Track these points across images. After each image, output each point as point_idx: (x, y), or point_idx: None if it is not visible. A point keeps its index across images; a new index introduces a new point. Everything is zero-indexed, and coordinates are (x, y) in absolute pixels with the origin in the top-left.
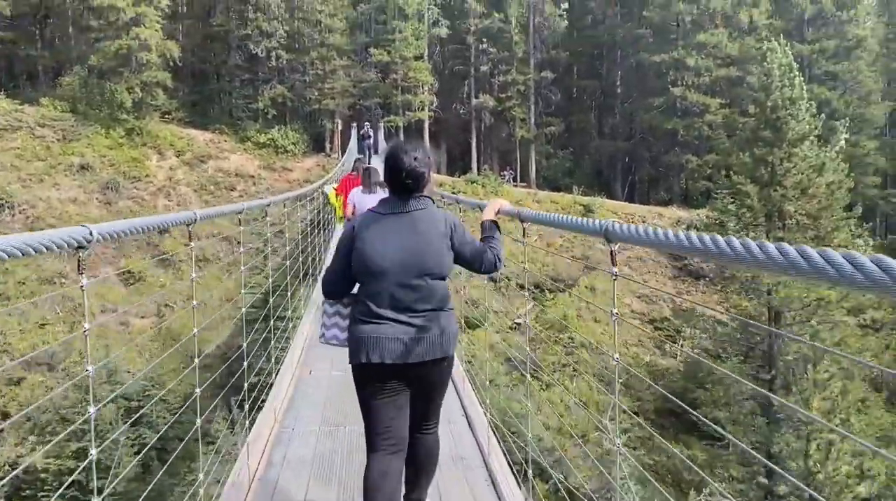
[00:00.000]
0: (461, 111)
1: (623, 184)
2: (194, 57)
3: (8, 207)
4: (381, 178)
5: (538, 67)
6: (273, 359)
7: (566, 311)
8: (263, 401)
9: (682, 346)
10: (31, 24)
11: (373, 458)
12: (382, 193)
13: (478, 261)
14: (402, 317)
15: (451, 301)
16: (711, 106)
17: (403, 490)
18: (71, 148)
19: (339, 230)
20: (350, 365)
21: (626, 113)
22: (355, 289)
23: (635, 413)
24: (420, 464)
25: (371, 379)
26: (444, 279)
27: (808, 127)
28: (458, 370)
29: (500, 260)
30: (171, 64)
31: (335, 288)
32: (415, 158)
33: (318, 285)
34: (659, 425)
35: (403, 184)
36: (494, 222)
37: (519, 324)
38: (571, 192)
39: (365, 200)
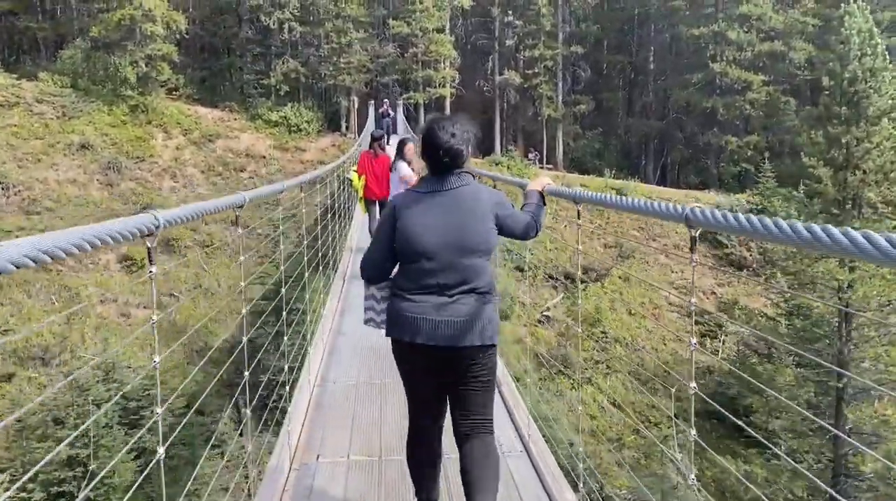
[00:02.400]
0: (484, 88)
1: (655, 167)
2: (203, 30)
3: (2, 188)
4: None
5: (567, 42)
6: (287, 355)
7: (598, 303)
8: (276, 401)
9: (723, 342)
10: None
11: (414, 426)
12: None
13: (522, 232)
14: (443, 299)
15: (496, 290)
16: (754, 83)
17: None
18: (71, 125)
19: (359, 212)
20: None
21: (659, 90)
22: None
23: (673, 415)
24: (475, 476)
25: (406, 357)
26: (488, 257)
27: (890, 101)
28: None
29: (538, 225)
30: (178, 37)
31: (375, 271)
32: (452, 135)
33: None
34: (701, 429)
35: (441, 163)
36: (540, 193)
37: (548, 318)
38: (600, 175)
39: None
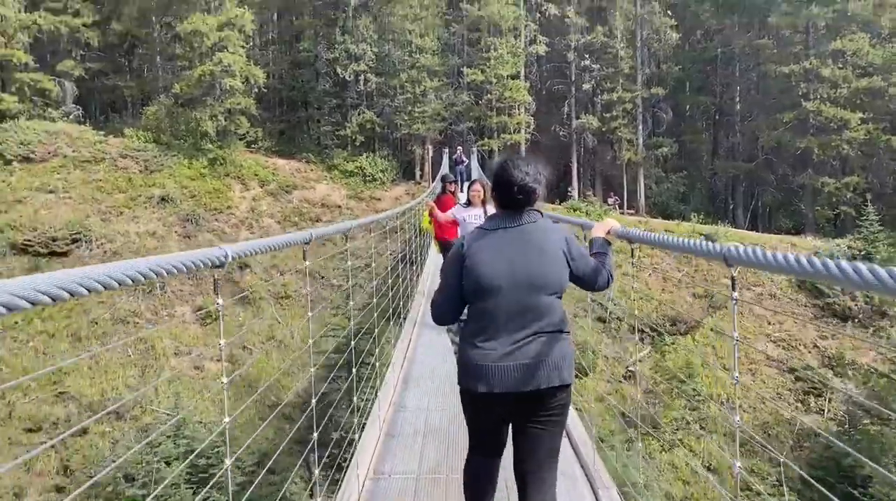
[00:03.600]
0: (561, 133)
1: (745, 210)
2: (282, 84)
3: (86, 242)
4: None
5: (646, 84)
6: (358, 411)
7: (689, 357)
8: (346, 459)
9: (829, 401)
10: (119, 55)
11: (473, 457)
12: (479, 208)
13: (592, 278)
14: (516, 339)
15: (569, 323)
16: (851, 121)
17: None
18: (152, 179)
19: (433, 257)
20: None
21: (746, 131)
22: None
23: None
24: None
25: (476, 405)
26: (560, 296)
27: None
28: (574, 420)
29: (612, 277)
30: (257, 91)
31: (444, 312)
32: (526, 173)
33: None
34: (807, 499)
35: (514, 200)
36: (606, 240)
37: (633, 373)
38: (685, 219)
39: (462, 213)
